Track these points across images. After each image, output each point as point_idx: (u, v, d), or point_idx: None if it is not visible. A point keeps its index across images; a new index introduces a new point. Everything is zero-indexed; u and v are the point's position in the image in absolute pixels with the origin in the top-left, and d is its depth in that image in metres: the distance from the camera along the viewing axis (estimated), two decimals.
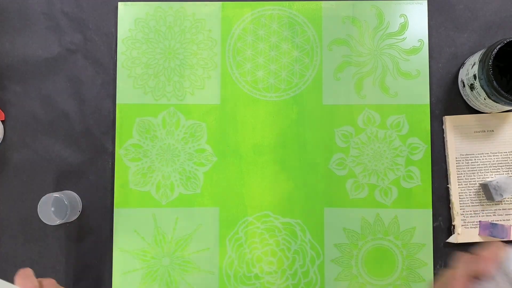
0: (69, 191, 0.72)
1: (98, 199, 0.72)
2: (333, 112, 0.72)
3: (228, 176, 0.72)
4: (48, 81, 0.74)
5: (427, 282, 0.70)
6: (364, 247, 0.71)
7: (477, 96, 0.66)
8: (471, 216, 0.70)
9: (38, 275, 0.73)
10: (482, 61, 0.63)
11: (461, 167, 0.70)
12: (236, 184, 0.72)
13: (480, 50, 0.68)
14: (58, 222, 0.67)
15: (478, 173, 0.70)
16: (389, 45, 0.72)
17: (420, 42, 0.72)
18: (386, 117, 0.72)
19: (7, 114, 0.74)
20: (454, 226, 0.70)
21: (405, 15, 0.72)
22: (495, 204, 0.70)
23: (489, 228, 0.68)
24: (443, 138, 0.71)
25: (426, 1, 0.73)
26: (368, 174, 0.71)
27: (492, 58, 0.61)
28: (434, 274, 0.70)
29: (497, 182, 0.68)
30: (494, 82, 0.61)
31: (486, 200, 0.70)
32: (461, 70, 0.71)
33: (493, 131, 0.71)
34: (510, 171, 0.70)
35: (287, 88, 0.72)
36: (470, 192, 0.70)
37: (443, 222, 0.71)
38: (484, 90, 0.64)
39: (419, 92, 0.72)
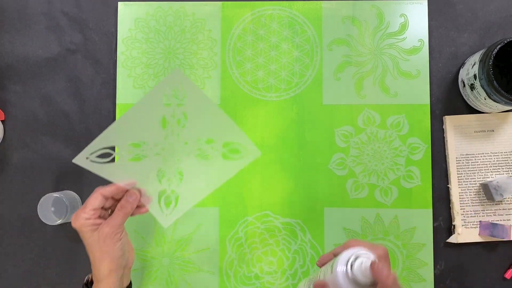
0: (69, 191, 0.72)
1: None
2: (333, 112, 0.72)
3: None
4: (48, 81, 0.74)
5: (428, 281, 0.70)
6: None
7: (477, 96, 0.66)
8: (471, 216, 0.70)
9: (38, 275, 0.73)
10: (482, 61, 0.63)
11: (461, 167, 0.70)
12: (236, 184, 0.72)
13: (480, 50, 0.68)
14: (58, 222, 0.67)
15: (478, 173, 0.70)
16: (389, 45, 0.72)
17: (420, 42, 0.72)
18: (386, 117, 0.72)
19: (7, 114, 0.73)
20: (454, 226, 0.70)
21: (405, 15, 0.72)
22: (496, 204, 0.70)
23: (490, 228, 0.68)
24: (443, 138, 0.71)
25: (426, 1, 0.72)
26: (368, 174, 0.71)
27: (492, 58, 0.61)
28: (434, 274, 0.70)
29: (497, 182, 0.68)
30: (494, 82, 0.61)
31: (486, 200, 0.70)
32: (461, 70, 0.71)
33: (493, 131, 0.70)
34: (511, 171, 0.70)
35: (287, 88, 0.72)
36: (471, 192, 0.70)
37: (443, 222, 0.71)
38: (485, 90, 0.64)
39: (419, 92, 0.72)
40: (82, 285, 0.60)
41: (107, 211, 0.59)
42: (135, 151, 0.58)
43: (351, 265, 0.47)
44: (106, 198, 0.57)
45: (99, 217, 0.57)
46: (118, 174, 0.58)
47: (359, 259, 0.47)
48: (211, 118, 0.58)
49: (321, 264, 0.55)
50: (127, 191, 0.58)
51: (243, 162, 0.60)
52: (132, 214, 0.58)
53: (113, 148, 0.57)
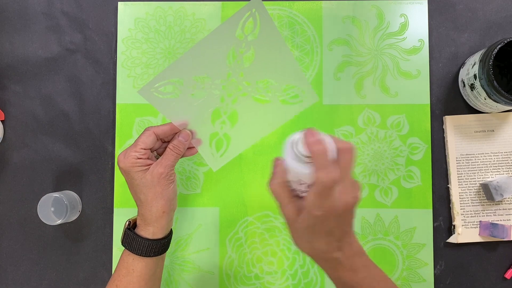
0: (69, 191, 0.72)
1: (98, 199, 0.72)
2: (333, 112, 0.72)
3: (228, 176, 0.72)
4: (48, 81, 0.74)
5: (428, 281, 0.70)
6: (365, 247, 0.71)
7: (477, 96, 0.66)
8: (471, 216, 0.70)
9: (38, 275, 0.73)
10: (482, 61, 0.63)
11: (461, 167, 0.70)
12: (236, 184, 0.72)
13: (480, 50, 0.68)
14: (58, 222, 0.67)
15: (478, 173, 0.70)
16: (389, 45, 0.72)
17: (420, 42, 0.72)
18: (386, 117, 0.72)
19: (7, 114, 0.73)
20: (454, 226, 0.70)
21: (405, 15, 0.72)
22: (496, 204, 0.70)
23: (490, 228, 0.68)
24: (443, 138, 0.71)
25: (426, 1, 0.72)
26: (368, 174, 0.71)
27: (492, 58, 0.61)
28: (434, 274, 0.70)
29: (497, 182, 0.68)
30: (494, 82, 0.61)
31: (486, 200, 0.70)
32: (461, 70, 0.71)
33: (493, 131, 0.70)
34: (511, 171, 0.70)
35: None
36: (471, 192, 0.70)
37: (443, 222, 0.71)
38: (485, 90, 0.64)
39: (419, 92, 0.72)
40: (124, 229, 0.57)
41: (153, 154, 0.57)
42: (197, 86, 0.56)
43: (295, 141, 0.44)
44: (157, 137, 0.55)
45: (148, 158, 0.55)
46: (177, 111, 0.56)
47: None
48: (278, 58, 0.56)
49: None
50: (178, 132, 0.57)
51: (299, 107, 0.59)
52: (182, 156, 0.57)
53: (178, 82, 0.55)
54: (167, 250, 0.58)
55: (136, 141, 0.55)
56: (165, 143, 0.58)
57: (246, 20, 0.54)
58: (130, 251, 0.56)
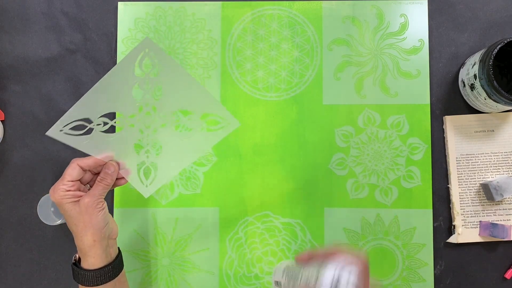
0: None
1: None
2: (333, 112, 0.72)
3: (228, 176, 0.72)
4: (48, 81, 0.74)
5: (428, 281, 0.70)
6: (365, 247, 0.71)
7: (477, 96, 0.66)
8: (471, 216, 0.70)
9: (38, 275, 0.73)
10: (482, 61, 0.63)
11: (461, 167, 0.70)
12: (236, 184, 0.72)
13: (480, 50, 0.68)
14: (58, 222, 0.67)
15: (478, 173, 0.70)
16: (389, 44, 0.72)
17: (420, 42, 0.72)
18: (386, 117, 0.72)
19: (7, 114, 0.73)
20: (454, 226, 0.70)
21: (405, 15, 0.72)
22: (496, 204, 0.70)
23: (490, 228, 0.68)
24: (444, 138, 0.71)
25: (427, 1, 0.72)
26: (368, 174, 0.71)
27: (492, 58, 0.61)
28: (434, 274, 0.70)
29: (497, 182, 0.68)
30: (494, 82, 0.61)
31: (486, 200, 0.70)
32: (461, 70, 0.71)
33: (493, 131, 0.70)
34: (511, 171, 0.70)
35: (287, 88, 0.72)
36: (471, 192, 0.70)
37: (443, 222, 0.71)
38: (485, 90, 0.64)
39: (420, 92, 0.72)
40: (71, 264, 0.58)
41: (85, 186, 0.59)
42: (110, 123, 0.57)
43: (336, 286, 0.47)
44: (84, 170, 0.56)
45: (79, 190, 0.56)
46: (95, 147, 0.57)
47: (342, 278, 0.47)
48: (186, 89, 0.57)
49: (300, 261, 0.53)
50: (105, 164, 0.58)
51: (222, 133, 0.60)
52: (112, 186, 0.58)
53: (87, 120, 0.56)
54: (118, 274, 0.59)
55: (63, 174, 0.56)
56: (97, 175, 0.59)
57: (142, 60, 0.54)
58: (79, 284, 0.57)
